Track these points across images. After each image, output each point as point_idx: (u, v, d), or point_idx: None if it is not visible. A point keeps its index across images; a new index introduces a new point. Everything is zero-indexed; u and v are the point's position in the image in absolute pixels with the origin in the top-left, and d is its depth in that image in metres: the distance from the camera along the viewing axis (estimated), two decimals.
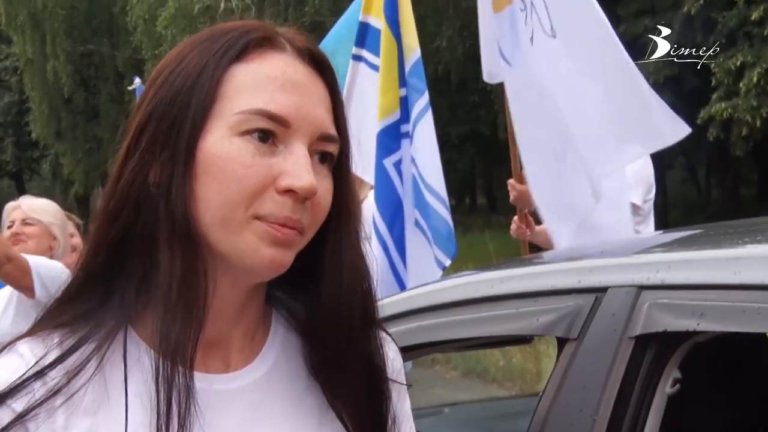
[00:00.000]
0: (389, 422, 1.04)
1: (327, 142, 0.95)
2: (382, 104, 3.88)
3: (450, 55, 18.41)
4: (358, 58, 4.15)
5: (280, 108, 0.91)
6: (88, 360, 0.90)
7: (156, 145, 0.91)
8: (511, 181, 3.92)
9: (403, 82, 3.90)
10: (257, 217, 0.90)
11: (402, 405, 1.10)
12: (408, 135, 3.87)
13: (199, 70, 0.92)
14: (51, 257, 3.62)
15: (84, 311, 0.94)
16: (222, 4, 15.93)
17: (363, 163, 3.82)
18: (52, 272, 3.23)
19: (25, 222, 3.70)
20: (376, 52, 4.06)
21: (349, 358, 1.00)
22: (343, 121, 0.98)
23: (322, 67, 0.97)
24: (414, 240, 3.84)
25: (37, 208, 3.75)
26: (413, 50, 3.95)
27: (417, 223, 3.85)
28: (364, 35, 4.13)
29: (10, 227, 3.69)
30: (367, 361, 1.02)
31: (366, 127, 3.96)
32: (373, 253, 3.73)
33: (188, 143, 0.90)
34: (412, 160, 3.85)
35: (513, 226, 4.06)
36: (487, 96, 18.93)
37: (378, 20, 4.06)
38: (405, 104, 3.89)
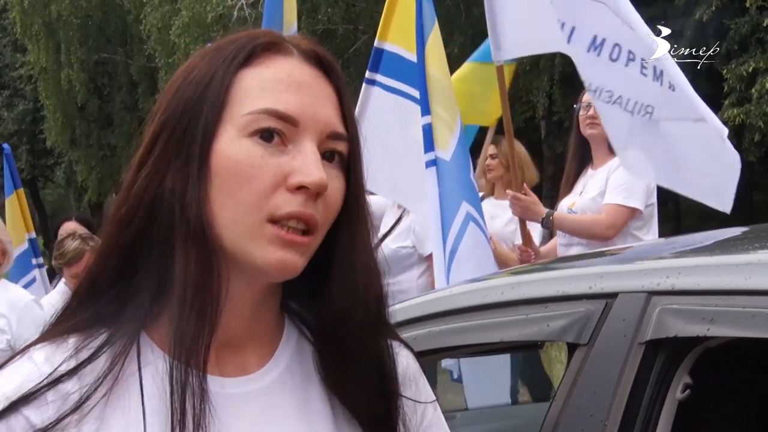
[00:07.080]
0: (400, 427, 1.04)
1: (336, 140, 0.96)
2: None
3: (462, 62, 18.35)
4: (371, 82, 4.29)
5: (287, 107, 0.92)
6: (105, 375, 0.91)
7: (169, 153, 0.93)
8: (512, 194, 3.80)
9: (426, 110, 3.95)
10: (271, 220, 0.91)
11: (425, 412, 1.09)
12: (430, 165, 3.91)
13: (208, 78, 0.94)
14: None
15: (97, 315, 0.95)
16: (235, 13, 15.95)
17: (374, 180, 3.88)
18: None
19: None
20: (393, 76, 4.25)
21: (361, 361, 1.00)
22: (351, 121, 0.99)
23: (328, 69, 0.99)
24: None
25: None
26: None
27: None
28: (378, 60, 4.29)
29: None
30: (378, 365, 1.02)
31: (383, 148, 4.05)
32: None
33: (201, 148, 0.92)
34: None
35: (517, 253, 3.97)
36: None
37: (394, 46, 4.25)
38: (428, 133, 3.93)
